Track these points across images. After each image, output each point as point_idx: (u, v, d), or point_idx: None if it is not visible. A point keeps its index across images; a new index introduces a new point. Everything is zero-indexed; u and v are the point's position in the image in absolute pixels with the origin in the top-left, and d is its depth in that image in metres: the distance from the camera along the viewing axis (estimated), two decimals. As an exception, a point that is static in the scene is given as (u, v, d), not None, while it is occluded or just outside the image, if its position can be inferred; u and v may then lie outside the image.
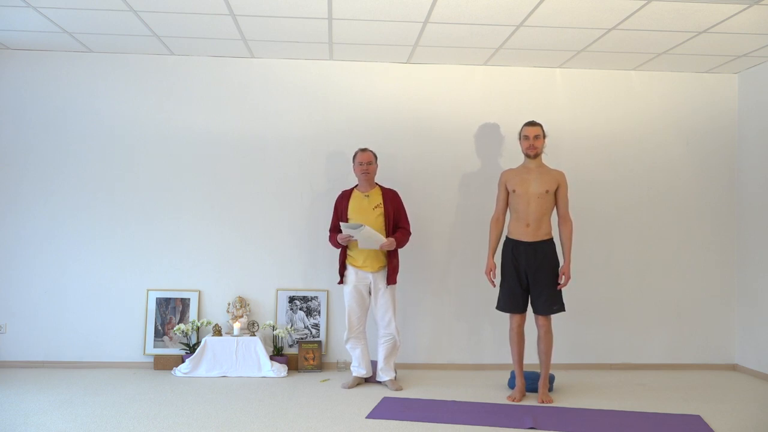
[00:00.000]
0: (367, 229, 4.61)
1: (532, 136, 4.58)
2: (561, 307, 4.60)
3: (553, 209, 4.64)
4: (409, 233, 4.95)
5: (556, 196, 4.61)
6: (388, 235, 4.81)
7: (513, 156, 5.43)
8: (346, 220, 4.86)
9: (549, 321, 4.58)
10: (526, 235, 4.55)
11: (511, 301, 4.60)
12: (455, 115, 5.60)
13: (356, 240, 4.70)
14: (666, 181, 5.72)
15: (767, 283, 5.33)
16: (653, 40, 4.88)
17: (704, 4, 4.13)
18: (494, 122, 5.60)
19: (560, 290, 4.58)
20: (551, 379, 4.83)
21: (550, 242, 4.58)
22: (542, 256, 4.53)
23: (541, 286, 4.53)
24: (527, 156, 4.63)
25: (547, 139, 4.70)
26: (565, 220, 4.62)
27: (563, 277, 4.55)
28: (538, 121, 4.68)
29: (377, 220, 4.82)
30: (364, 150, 4.92)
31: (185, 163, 5.49)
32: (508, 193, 4.68)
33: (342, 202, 4.93)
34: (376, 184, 4.98)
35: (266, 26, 4.73)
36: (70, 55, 5.43)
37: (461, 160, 5.61)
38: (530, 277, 4.55)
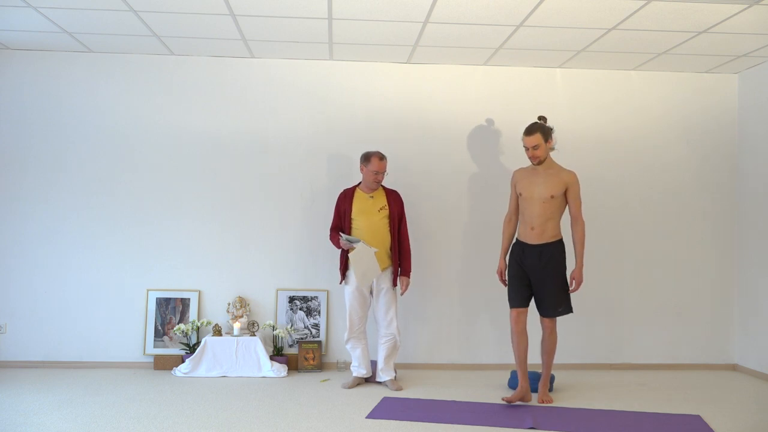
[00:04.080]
0: (362, 244, 4.65)
1: (531, 147, 4.42)
2: (567, 310, 4.50)
3: (561, 212, 4.51)
4: (409, 244, 4.95)
5: (567, 198, 4.48)
6: (392, 237, 4.83)
7: (513, 156, 5.43)
8: (350, 221, 4.85)
9: (553, 323, 4.53)
10: (531, 237, 4.48)
11: (512, 294, 4.53)
12: (455, 115, 5.60)
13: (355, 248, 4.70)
14: (666, 180, 5.72)
15: (767, 283, 5.33)
16: (653, 40, 4.88)
17: (704, 4, 4.13)
18: (494, 122, 5.59)
19: (566, 293, 4.49)
20: (551, 379, 4.82)
21: (555, 244, 4.47)
22: (547, 258, 4.43)
23: (546, 287, 4.46)
24: (532, 164, 4.54)
25: (554, 135, 4.52)
26: (576, 222, 4.48)
27: (573, 282, 4.45)
28: (537, 126, 4.45)
29: (382, 222, 4.82)
30: (382, 158, 4.79)
31: (185, 162, 5.49)
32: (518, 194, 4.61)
33: (345, 203, 4.90)
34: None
35: (266, 26, 4.73)
36: (70, 55, 5.43)
37: (461, 160, 5.61)
38: (534, 279, 4.48)
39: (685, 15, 4.34)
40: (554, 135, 4.54)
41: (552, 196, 4.42)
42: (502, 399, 4.45)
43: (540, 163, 4.48)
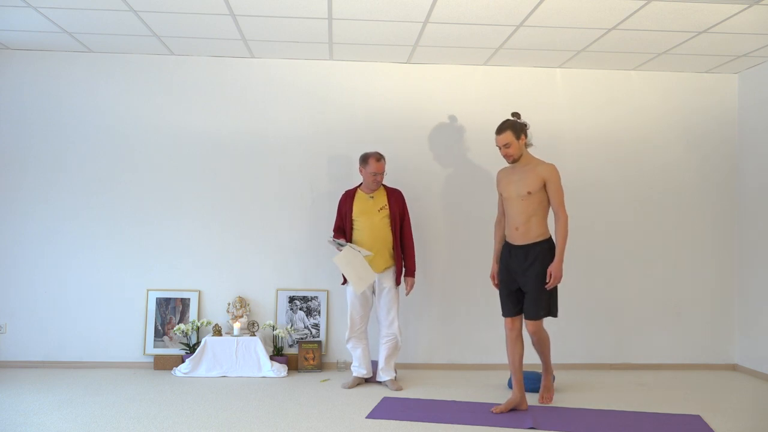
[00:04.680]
0: (349, 248, 4.65)
1: (502, 146, 4.27)
2: (549, 312, 4.27)
3: (545, 208, 4.30)
4: (413, 244, 4.95)
5: (547, 193, 4.26)
6: (394, 236, 4.83)
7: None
8: (351, 222, 4.86)
9: (537, 326, 4.28)
10: (516, 238, 4.30)
11: (502, 302, 4.41)
12: (455, 115, 5.60)
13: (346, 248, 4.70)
14: (666, 181, 5.72)
15: (767, 283, 5.33)
16: (653, 40, 4.88)
17: (704, 4, 4.13)
18: (494, 122, 5.57)
19: (551, 294, 4.25)
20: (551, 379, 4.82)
21: (543, 243, 4.26)
22: (533, 258, 4.22)
23: (529, 289, 4.24)
24: (508, 163, 4.38)
25: (530, 131, 4.36)
26: (557, 217, 4.23)
27: (550, 275, 4.17)
28: (507, 123, 4.28)
29: (382, 222, 4.82)
30: (379, 159, 4.78)
31: (185, 163, 5.49)
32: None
33: (346, 203, 4.90)
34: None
35: (266, 26, 4.73)
36: (70, 55, 5.44)
37: (461, 160, 5.61)
38: (520, 280, 4.29)
39: (685, 15, 4.34)
40: (529, 131, 4.36)
41: (529, 192, 4.23)
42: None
43: (515, 161, 4.31)
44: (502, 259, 4.45)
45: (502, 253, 4.47)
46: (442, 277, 5.58)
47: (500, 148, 4.31)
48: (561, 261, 4.21)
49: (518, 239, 4.31)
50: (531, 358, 4.88)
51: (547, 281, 4.20)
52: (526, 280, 4.26)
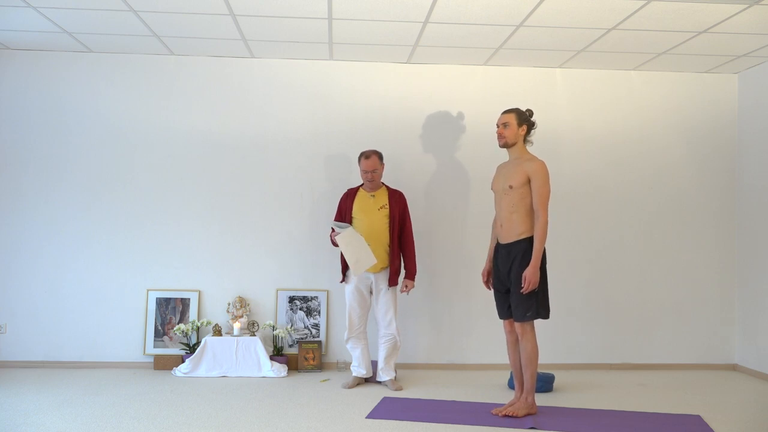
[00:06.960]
0: (351, 229, 4.62)
1: (501, 124, 4.22)
2: (536, 314, 4.09)
3: (527, 205, 4.11)
4: (413, 246, 4.94)
5: (531, 190, 4.11)
6: (392, 237, 4.82)
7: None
8: (350, 220, 4.86)
9: (524, 328, 4.11)
10: (501, 235, 4.22)
11: (496, 305, 4.37)
12: (455, 115, 5.60)
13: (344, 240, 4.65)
14: (666, 181, 5.72)
15: (767, 283, 5.33)
16: (653, 40, 4.88)
17: (704, 4, 4.13)
18: (494, 122, 5.57)
19: (536, 295, 4.07)
20: (550, 379, 4.81)
21: (522, 242, 4.10)
22: (512, 258, 4.12)
23: (512, 290, 4.15)
24: (499, 145, 4.30)
25: (534, 131, 4.29)
26: (536, 216, 4.05)
27: (525, 279, 4.02)
28: (515, 108, 4.28)
29: (381, 221, 4.82)
30: (368, 156, 4.80)
31: (185, 162, 5.49)
32: None
33: (347, 201, 4.92)
34: (383, 184, 4.98)
35: (266, 26, 4.73)
36: (70, 55, 5.44)
37: (461, 160, 5.61)
38: (504, 281, 4.21)
39: (685, 15, 4.34)
40: (533, 130, 4.29)
41: (510, 186, 4.12)
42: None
43: (506, 145, 4.23)
44: (494, 258, 4.37)
45: (494, 252, 4.39)
46: (442, 276, 5.58)
47: (498, 127, 4.27)
48: (536, 265, 4.02)
49: (502, 237, 4.23)
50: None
51: (522, 285, 4.05)
52: (509, 281, 4.17)
